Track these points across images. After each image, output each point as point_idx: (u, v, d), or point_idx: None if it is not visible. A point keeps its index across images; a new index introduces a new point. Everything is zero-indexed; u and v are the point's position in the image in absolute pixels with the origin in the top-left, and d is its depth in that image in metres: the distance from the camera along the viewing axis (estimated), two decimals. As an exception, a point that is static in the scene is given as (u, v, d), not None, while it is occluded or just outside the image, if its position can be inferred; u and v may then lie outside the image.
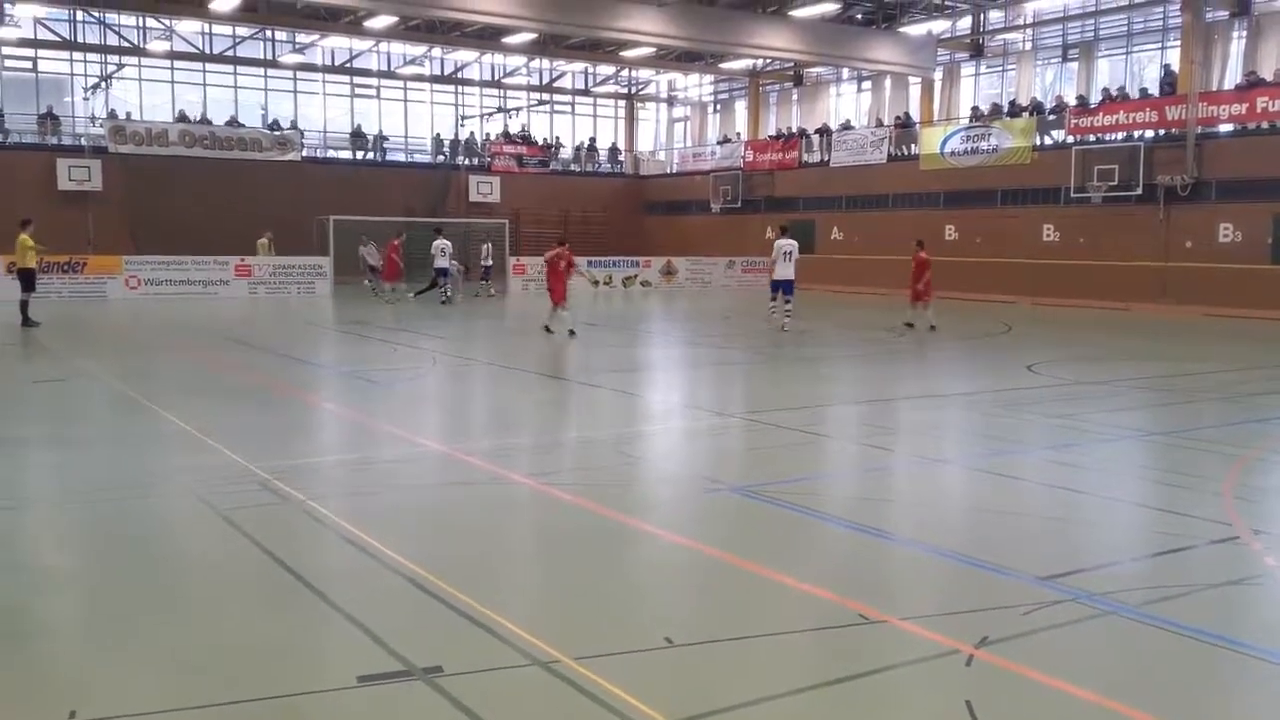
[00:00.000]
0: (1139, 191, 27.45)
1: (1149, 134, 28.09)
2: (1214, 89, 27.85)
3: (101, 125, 35.67)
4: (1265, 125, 26.16)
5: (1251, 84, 26.52)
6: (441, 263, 26.93)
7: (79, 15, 35.86)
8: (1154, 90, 29.15)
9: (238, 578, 5.75)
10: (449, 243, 27.50)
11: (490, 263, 31.30)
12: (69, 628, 5.16)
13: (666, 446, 9.92)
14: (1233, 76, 28.25)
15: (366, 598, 5.34)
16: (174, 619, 5.10)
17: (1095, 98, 30.58)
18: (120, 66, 36.72)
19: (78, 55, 36.98)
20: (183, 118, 37.36)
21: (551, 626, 4.93)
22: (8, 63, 36.30)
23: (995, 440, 10.13)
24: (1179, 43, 28.93)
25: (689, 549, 6.39)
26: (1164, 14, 30.37)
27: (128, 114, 36.95)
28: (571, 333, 18.62)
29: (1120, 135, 28.76)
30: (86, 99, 36.37)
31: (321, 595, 5.36)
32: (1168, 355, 17.73)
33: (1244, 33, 28.34)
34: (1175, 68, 28.69)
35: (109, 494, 7.48)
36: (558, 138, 44.92)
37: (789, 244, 20.65)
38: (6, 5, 32.61)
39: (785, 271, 20.51)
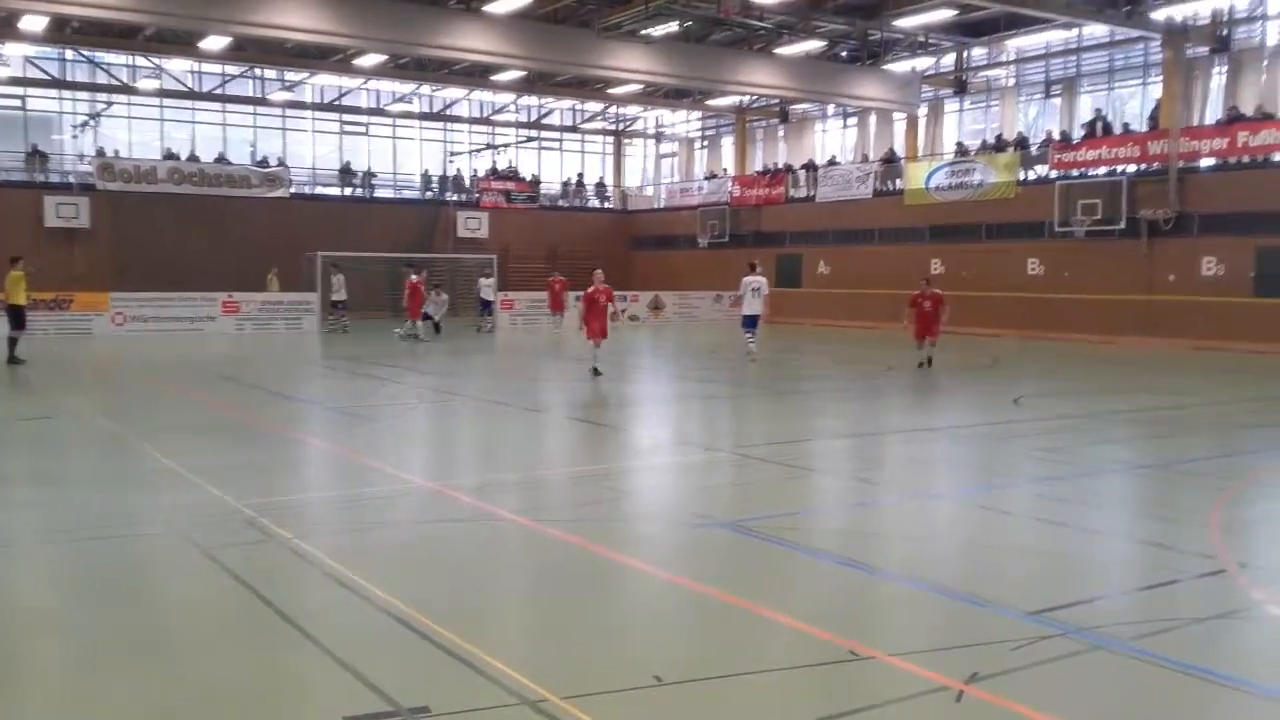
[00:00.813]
0: (1122, 225, 27.70)
1: (1131, 168, 28.40)
2: (1195, 124, 28.19)
3: (90, 163, 35.70)
4: (1246, 159, 26.46)
5: (1232, 119, 26.86)
6: None
7: (68, 54, 35.98)
8: (1137, 125, 29.50)
9: (222, 617, 5.70)
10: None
11: (490, 298, 31.54)
12: (51, 667, 5.11)
13: (655, 481, 9.90)
14: (1213, 112, 28.61)
15: (352, 636, 5.30)
16: (157, 658, 5.06)
17: (1078, 133, 30.92)
18: (109, 105, 36.82)
19: (66, 94, 37.06)
20: (170, 155, 37.43)
21: (539, 665, 4.90)
22: (-4, 101, 36.37)
23: (983, 474, 10.16)
24: (1160, 79, 29.30)
25: (678, 585, 6.37)
26: (1145, 51, 30.76)
27: (116, 151, 36.99)
28: (596, 371, 17.92)
29: (1103, 170, 29.06)
30: (75, 137, 36.44)
31: (307, 634, 5.32)
32: (1153, 388, 17.81)
33: (1224, 68, 28.73)
34: (1162, 102, 29.07)
35: (93, 532, 7.41)
36: (537, 176, 45.08)
37: (756, 280, 20.91)
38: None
39: (751, 307, 20.79)
